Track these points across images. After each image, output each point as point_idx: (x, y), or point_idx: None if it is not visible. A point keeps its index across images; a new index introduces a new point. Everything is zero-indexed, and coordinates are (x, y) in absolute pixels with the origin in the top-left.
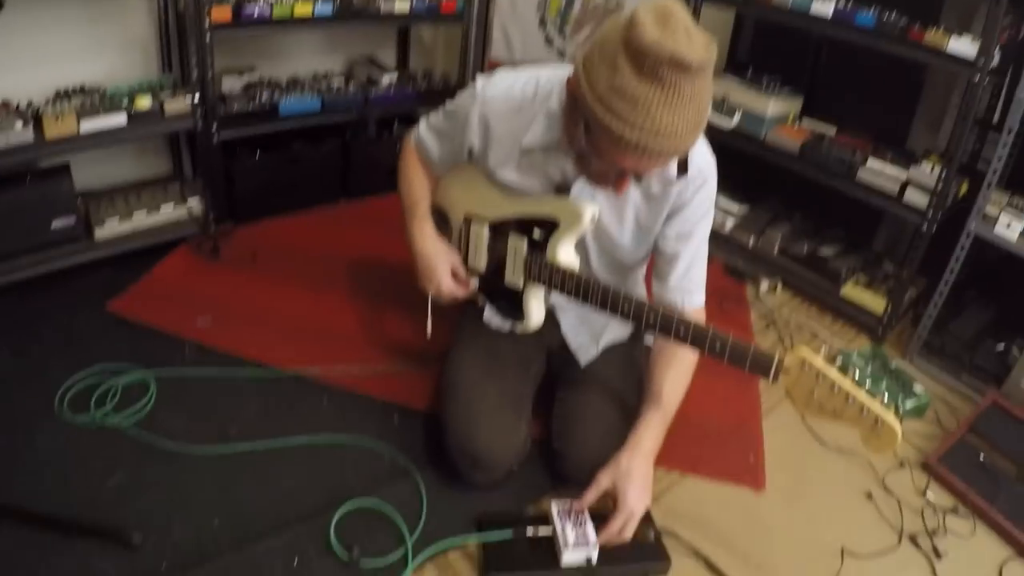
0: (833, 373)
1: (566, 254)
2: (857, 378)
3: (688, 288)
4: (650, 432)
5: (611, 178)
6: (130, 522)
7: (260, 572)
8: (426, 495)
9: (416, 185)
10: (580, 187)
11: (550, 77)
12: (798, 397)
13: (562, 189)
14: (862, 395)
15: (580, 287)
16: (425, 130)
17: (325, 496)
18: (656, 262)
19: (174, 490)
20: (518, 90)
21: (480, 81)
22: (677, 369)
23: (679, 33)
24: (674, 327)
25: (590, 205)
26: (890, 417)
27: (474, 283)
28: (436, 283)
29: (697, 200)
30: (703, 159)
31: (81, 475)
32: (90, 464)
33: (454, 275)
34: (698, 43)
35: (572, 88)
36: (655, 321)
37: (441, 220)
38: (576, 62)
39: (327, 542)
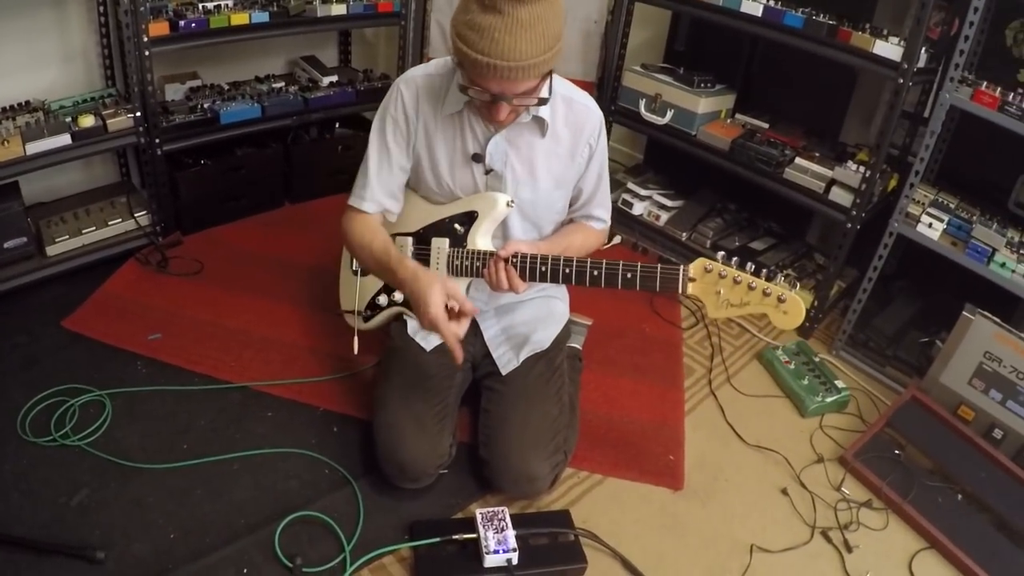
0: (732, 269)
1: (484, 241)
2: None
3: (605, 203)
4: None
5: (490, 108)
6: (94, 539)
7: None
8: (363, 503)
9: (377, 241)
10: (495, 143)
11: None
12: (708, 301)
13: (479, 149)
14: (761, 281)
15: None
16: (361, 186)
17: (271, 506)
18: (577, 198)
19: (133, 506)
20: (433, 67)
21: (397, 77)
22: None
23: None
24: (588, 272)
25: (503, 195)
26: (790, 292)
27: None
28: (429, 315)
29: (602, 137)
30: (591, 102)
31: (46, 495)
32: (53, 484)
33: (451, 310)
34: None
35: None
36: (571, 272)
37: None
38: None
39: (273, 551)
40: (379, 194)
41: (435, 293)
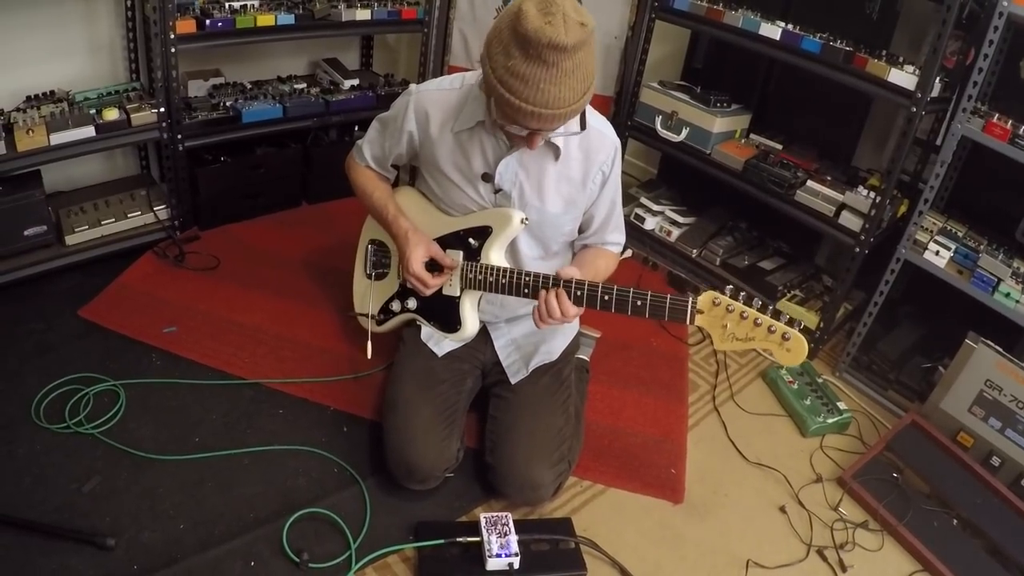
0: (739, 304)
1: (497, 256)
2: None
3: (620, 227)
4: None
5: (524, 138)
6: (104, 526)
7: (220, 574)
8: (370, 502)
9: (377, 194)
10: (505, 164)
11: (473, 73)
12: (715, 333)
13: (488, 169)
14: (767, 318)
15: (511, 279)
16: (363, 143)
17: (279, 502)
18: (589, 224)
19: (144, 495)
20: (447, 83)
21: (412, 85)
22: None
23: (557, 19)
24: (599, 296)
25: (518, 212)
26: (795, 331)
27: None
28: (407, 264)
29: (616, 164)
30: (608, 129)
31: (58, 481)
32: (66, 470)
33: (431, 267)
34: (573, 26)
35: (483, 69)
36: (582, 295)
37: (382, 251)
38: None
39: (280, 546)
40: (371, 161)
41: (417, 253)
